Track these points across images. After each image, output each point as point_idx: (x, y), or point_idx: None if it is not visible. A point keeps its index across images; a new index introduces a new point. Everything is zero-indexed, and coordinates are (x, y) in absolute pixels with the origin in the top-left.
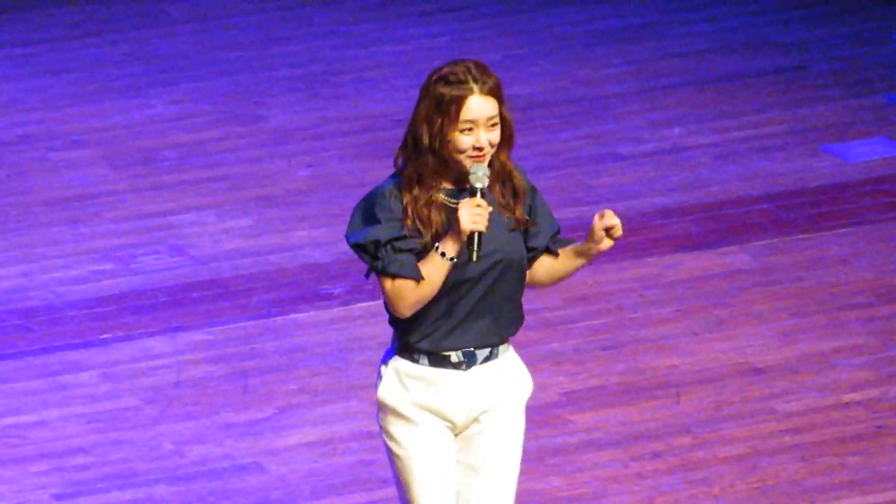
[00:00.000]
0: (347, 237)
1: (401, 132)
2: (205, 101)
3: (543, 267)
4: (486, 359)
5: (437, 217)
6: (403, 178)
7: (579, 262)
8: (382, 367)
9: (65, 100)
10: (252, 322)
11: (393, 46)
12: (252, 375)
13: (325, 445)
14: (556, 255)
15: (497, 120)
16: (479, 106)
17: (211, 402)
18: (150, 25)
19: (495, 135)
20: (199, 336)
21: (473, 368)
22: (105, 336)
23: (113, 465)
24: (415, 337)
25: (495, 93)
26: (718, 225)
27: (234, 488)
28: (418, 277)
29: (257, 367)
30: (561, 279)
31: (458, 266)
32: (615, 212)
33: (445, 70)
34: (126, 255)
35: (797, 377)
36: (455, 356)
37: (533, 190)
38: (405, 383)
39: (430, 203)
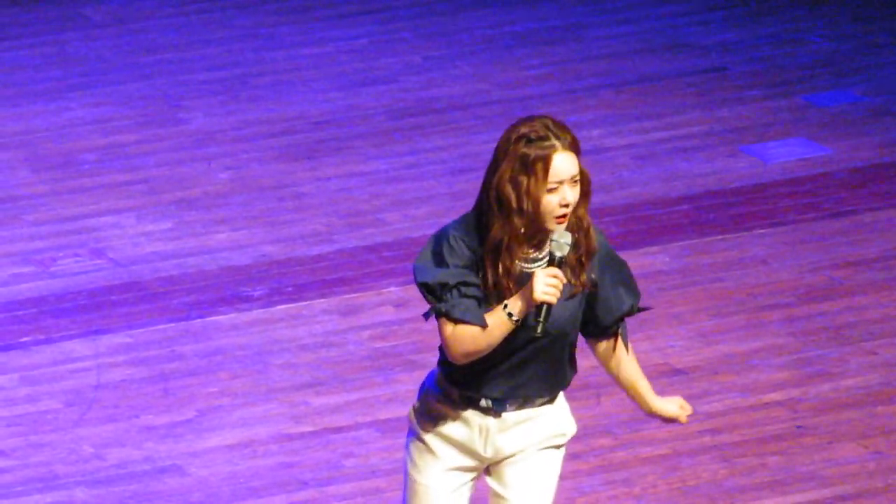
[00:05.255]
0: (415, 274)
1: (319, 134)
2: (124, 105)
3: (605, 355)
4: (520, 406)
5: (514, 287)
6: (488, 243)
7: (637, 401)
8: (422, 389)
9: None
10: (172, 325)
11: (312, 49)
12: (172, 378)
13: (246, 448)
14: (614, 339)
15: (579, 176)
16: (564, 163)
17: (131, 405)
18: (70, 29)
19: (577, 191)
20: (119, 339)
21: (504, 414)
22: (25, 339)
23: (33, 469)
24: (454, 376)
25: (576, 147)
26: (638, 226)
27: (154, 491)
28: (483, 324)
29: (177, 370)
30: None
31: (515, 329)
32: None
33: (524, 129)
34: (46, 259)
35: (717, 378)
36: (484, 402)
37: (610, 257)
38: (436, 413)
39: (509, 273)
